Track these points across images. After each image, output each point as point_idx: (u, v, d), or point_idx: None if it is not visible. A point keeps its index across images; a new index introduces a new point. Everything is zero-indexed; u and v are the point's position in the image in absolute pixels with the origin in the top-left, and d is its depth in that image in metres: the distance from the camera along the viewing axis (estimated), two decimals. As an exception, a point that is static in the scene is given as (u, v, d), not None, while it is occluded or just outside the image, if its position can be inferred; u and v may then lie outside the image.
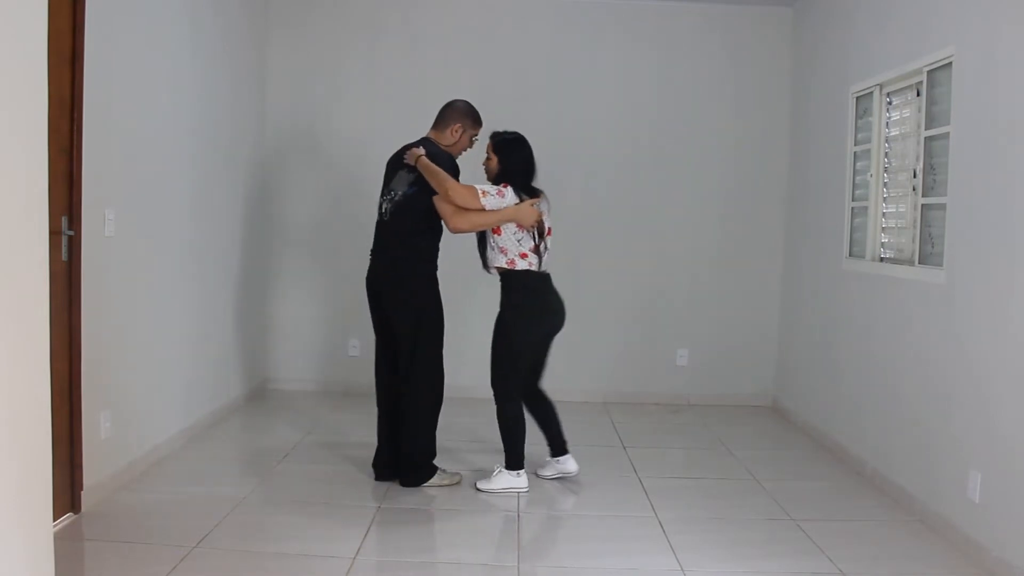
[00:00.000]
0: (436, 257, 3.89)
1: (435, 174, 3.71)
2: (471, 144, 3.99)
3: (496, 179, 3.88)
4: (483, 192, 3.73)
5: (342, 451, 4.37)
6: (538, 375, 4.04)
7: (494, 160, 3.89)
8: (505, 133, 3.93)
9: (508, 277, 3.86)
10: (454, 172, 3.78)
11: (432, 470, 3.86)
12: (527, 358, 3.90)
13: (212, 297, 4.80)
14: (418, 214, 3.76)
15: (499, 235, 3.80)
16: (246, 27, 5.29)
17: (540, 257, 3.84)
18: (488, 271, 3.93)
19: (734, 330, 5.83)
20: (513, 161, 3.87)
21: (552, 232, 3.92)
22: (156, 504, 3.52)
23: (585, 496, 3.87)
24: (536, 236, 3.82)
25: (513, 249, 3.80)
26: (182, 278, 4.37)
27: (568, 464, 4.04)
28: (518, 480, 3.86)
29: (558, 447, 4.04)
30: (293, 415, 5.18)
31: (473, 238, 3.94)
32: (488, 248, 3.85)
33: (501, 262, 3.83)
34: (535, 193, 3.86)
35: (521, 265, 3.81)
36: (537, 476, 4.03)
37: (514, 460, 3.87)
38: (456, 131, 3.90)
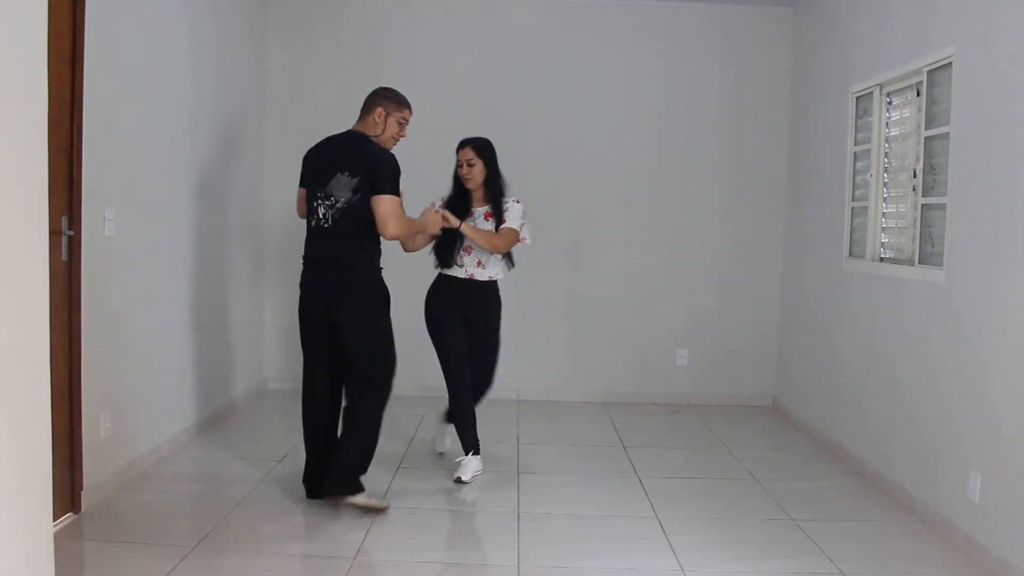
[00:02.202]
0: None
1: (482, 237, 3.84)
2: (400, 129, 3.62)
3: (486, 184, 3.94)
4: (521, 227, 3.95)
5: (342, 451, 4.36)
6: None
7: (479, 164, 3.91)
8: (479, 138, 3.97)
9: (495, 285, 4.06)
10: (396, 175, 3.46)
11: (361, 485, 3.50)
12: None
13: (212, 297, 4.80)
14: (364, 221, 3.46)
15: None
16: (246, 27, 5.29)
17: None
18: (461, 272, 3.96)
19: (734, 330, 5.83)
20: (496, 164, 3.96)
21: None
22: (156, 504, 3.52)
23: (585, 496, 3.87)
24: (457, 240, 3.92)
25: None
26: (182, 278, 4.38)
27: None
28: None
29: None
30: (292, 415, 5.13)
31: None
32: (499, 258, 4.01)
33: (498, 272, 4.03)
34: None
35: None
36: (442, 455, 4.33)
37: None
38: (379, 116, 3.55)
